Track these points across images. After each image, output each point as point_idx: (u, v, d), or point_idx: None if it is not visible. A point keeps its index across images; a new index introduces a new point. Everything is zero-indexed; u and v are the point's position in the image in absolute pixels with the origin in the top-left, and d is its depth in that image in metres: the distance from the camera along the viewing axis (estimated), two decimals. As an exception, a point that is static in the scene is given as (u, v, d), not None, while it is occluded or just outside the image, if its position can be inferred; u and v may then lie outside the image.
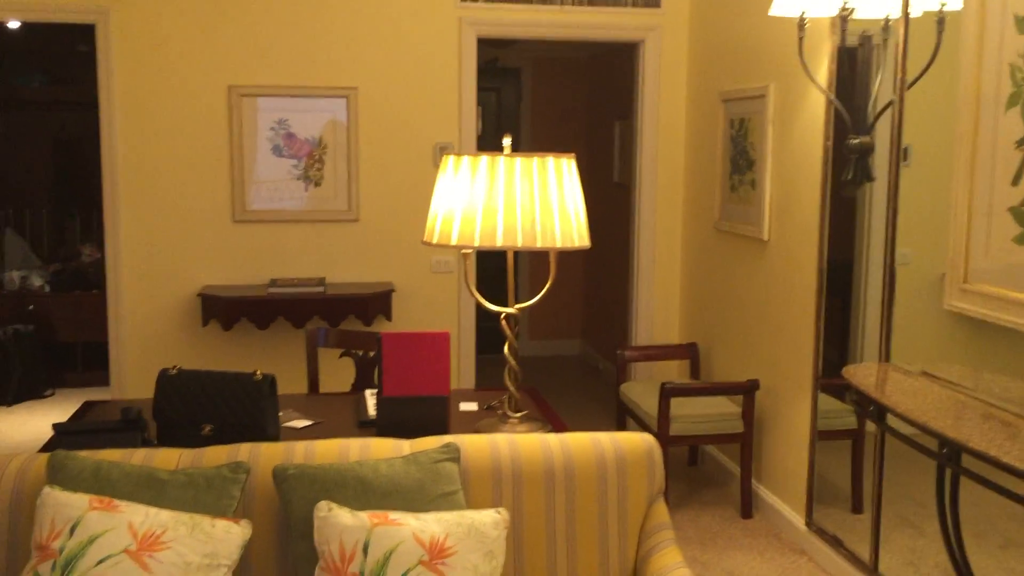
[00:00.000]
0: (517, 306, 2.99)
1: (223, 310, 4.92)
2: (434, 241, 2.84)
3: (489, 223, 2.75)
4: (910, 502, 3.64)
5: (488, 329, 5.52)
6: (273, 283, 5.06)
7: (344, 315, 4.98)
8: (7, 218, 7.03)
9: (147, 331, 5.17)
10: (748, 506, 4.43)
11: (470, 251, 2.96)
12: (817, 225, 3.97)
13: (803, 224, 4.10)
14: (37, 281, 6.70)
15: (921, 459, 3.56)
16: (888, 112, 3.49)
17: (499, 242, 2.73)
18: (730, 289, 4.89)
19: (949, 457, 2.56)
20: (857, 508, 4.03)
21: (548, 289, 3.01)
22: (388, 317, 5.16)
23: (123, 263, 5.14)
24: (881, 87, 3.57)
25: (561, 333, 7.99)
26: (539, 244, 2.75)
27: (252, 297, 4.95)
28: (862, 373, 3.21)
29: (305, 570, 2.29)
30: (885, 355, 3.46)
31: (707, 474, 5.04)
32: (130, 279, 5.15)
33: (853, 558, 3.71)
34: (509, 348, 2.97)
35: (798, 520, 4.14)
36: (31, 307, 6.54)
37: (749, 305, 4.65)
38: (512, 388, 2.99)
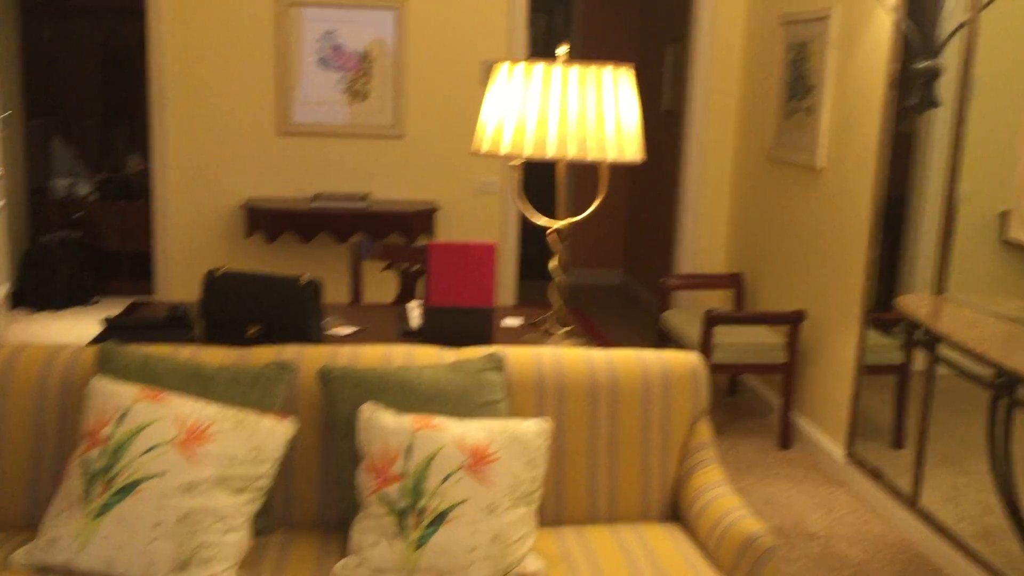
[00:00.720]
0: (566, 220, 2.94)
1: (267, 222, 4.92)
2: (483, 150, 2.79)
3: (541, 132, 2.68)
4: (953, 441, 3.58)
5: (528, 256, 5.48)
6: (317, 197, 5.04)
7: (387, 232, 4.96)
8: (54, 126, 7.05)
9: (192, 241, 5.20)
10: (787, 437, 4.40)
11: (519, 162, 2.90)
12: (875, 152, 3.85)
13: (860, 151, 3.98)
14: (84, 190, 6.75)
15: (966, 399, 3.51)
16: (959, 34, 3.34)
17: (550, 152, 2.67)
18: (780, 218, 4.79)
19: (1004, 387, 2.50)
20: (898, 444, 3.98)
21: (597, 206, 2.95)
22: (431, 235, 5.13)
23: (169, 173, 5.15)
24: (955, 6, 3.41)
25: (602, 262, 7.92)
26: (591, 156, 2.69)
27: (296, 210, 4.94)
28: (916, 303, 3.14)
29: (347, 469, 2.31)
30: (940, 288, 3.38)
31: (746, 405, 5.01)
32: (176, 189, 5.16)
33: (893, 491, 3.67)
34: (558, 262, 2.92)
35: (838, 452, 4.11)
36: (77, 215, 6.60)
37: (799, 235, 4.56)
38: (558, 303, 2.96)
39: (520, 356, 2.56)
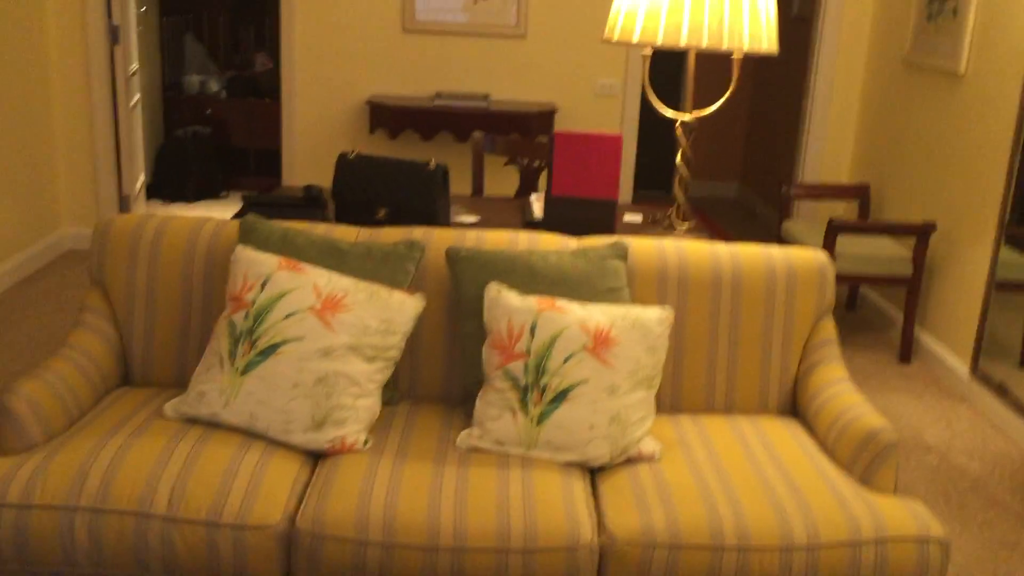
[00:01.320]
0: (694, 113, 2.90)
1: (390, 118, 4.99)
2: (615, 38, 2.76)
3: (674, 19, 2.64)
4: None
5: (644, 165, 5.41)
6: (438, 96, 5.08)
7: (507, 132, 4.97)
8: (187, 23, 7.25)
9: (317, 137, 5.33)
10: (908, 351, 4.30)
11: (649, 51, 2.85)
12: (1025, 56, 3.64)
13: (1007, 55, 3.77)
14: (214, 87, 6.95)
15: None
16: None
17: (683, 41, 2.63)
18: (913, 127, 4.59)
19: None
20: (1026, 364, 3.85)
21: (728, 97, 2.89)
22: (551, 137, 5.11)
23: (296, 71, 5.25)
24: None
25: (719, 175, 7.77)
26: (725, 45, 2.63)
27: (418, 107, 4.99)
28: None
29: (472, 346, 2.38)
30: (1088, 196, 3.21)
31: (865, 319, 4.90)
32: (303, 86, 5.27)
33: (1019, 408, 3.57)
34: (682, 156, 2.90)
35: (961, 368, 4.00)
36: (208, 111, 6.82)
37: (933, 145, 4.38)
38: (681, 197, 2.94)
39: (643, 246, 2.57)
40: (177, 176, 6.52)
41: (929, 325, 4.35)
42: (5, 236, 4.58)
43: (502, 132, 4.97)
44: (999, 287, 3.86)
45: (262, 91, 6.94)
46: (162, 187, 6.53)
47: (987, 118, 3.91)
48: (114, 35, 5.11)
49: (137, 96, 5.58)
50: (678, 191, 2.94)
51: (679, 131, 2.89)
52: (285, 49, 5.23)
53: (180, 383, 2.48)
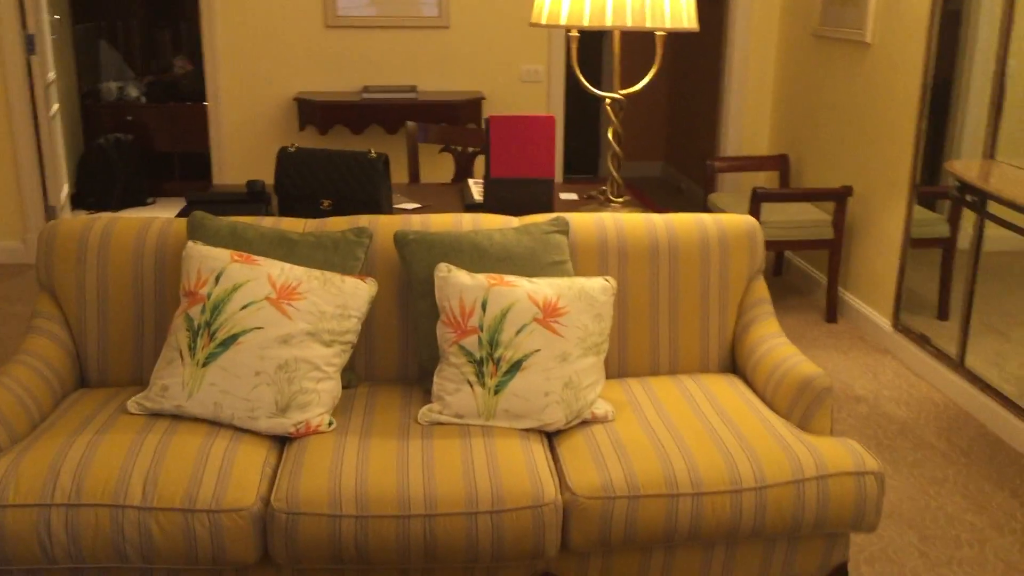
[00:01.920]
0: (622, 91, 3.02)
1: (319, 114, 5.02)
2: (543, 21, 2.86)
3: (599, 2, 2.75)
4: (997, 312, 3.68)
5: (571, 150, 5.52)
6: (366, 89, 5.12)
7: (436, 122, 5.04)
8: (100, 30, 7.14)
9: (246, 136, 5.33)
10: (833, 311, 4.51)
11: (576, 33, 2.96)
12: (926, 26, 3.85)
13: (911, 24, 3.98)
14: (133, 92, 6.87)
15: (1008, 274, 3.59)
16: None
17: (608, 21, 2.74)
18: (826, 97, 4.81)
19: (1054, 238, 2.58)
20: (943, 315, 4.08)
21: (653, 75, 3.02)
22: (478, 125, 5.21)
23: (220, 72, 5.24)
24: None
25: (643, 155, 7.96)
26: (648, 24, 2.75)
27: (347, 102, 5.03)
28: (966, 167, 3.20)
29: (425, 325, 2.46)
30: (990, 153, 3.43)
31: (792, 283, 5.11)
32: (228, 87, 5.26)
33: (940, 355, 3.80)
34: (613, 133, 3.01)
35: (884, 323, 4.22)
36: (129, 118, 6.74)
37: (845, 112, 4.59)
38: (615, 173, 3.06)
39: (583, 221, 2.68)
40: (101, 184, 6.44)
41: (852, 285, 4.56)
42: (-69, 254, 4.49)
43: (431, 122, 5.03)
44: (914, 244, 4.09)
45: (183, 94, 6.88)
46: (86, 196, 6.44)
47: (894, 84, 4.12)
48: (30, 44, 5.03)
49: (56, 105, 5.50)
50: (611, 167, 3.06)
51: (609, 109, 3.00)
52: (208, 51, 5.21)
53: (137, 381, 2.51)
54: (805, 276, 5.04)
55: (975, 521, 2.85)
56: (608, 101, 3.00)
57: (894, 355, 4.13)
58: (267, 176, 5.18)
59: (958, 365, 3.67)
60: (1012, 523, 2.84)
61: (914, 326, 4.03)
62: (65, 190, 5.68)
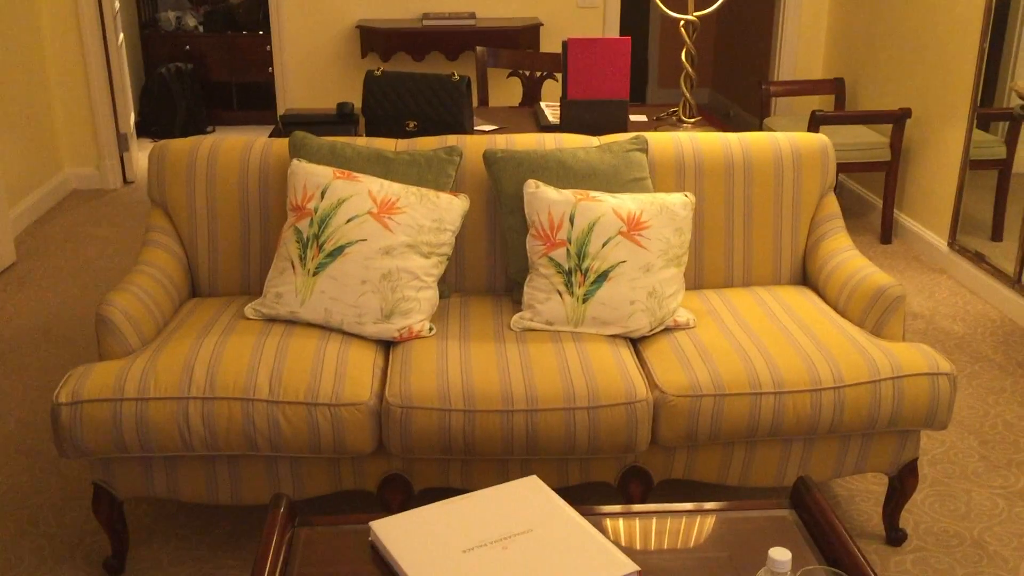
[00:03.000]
0: (695, 13, 3.10)
1: (380, 42, 5.12)
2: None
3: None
4: (1051, 232, 3.76)
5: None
6: (426, 16, 5.19)
7: (496, 47, 5.11)
8: (155, -40, 7.22)
9: (309, 65, 5.43)
10: (888, 232, 4.60)
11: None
12: (991, -56, 3.86)
13: (975, -56, 3.98)
14: (191, 22, 6.97)
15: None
16: None
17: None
18: (884, 18, 4.82)
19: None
20: (997, 236, 4.16)
21: (725, -2, 3.09)
22: (537, 50, 5.27)
23: (283, 0, 5.33)
24: None
25: (691, 81, 7.96)
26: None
27: (408, 29, 5.11)
28: (1032, 86, 3.25)
29: (514, 239, 2.61)
30: (1055, 72, 3.47)
31: (846, 206, 5.19)
32: (289, 16, 5.35)
33: (996, 272, 3.89)
34: (686, 55, 3.10)
35: (940, 243, 4.31)
36: (187, 47, 6.85)
37: (904, 34, 4.61)
38: (687, 94, 3.15)
39: (660, 139, 2.80)
40: (163, 113, 6.59)
41: (907, 206, 4.64)
42: (12, 182, 4.69)
43: (491, 48, 5.11)
44: (971, 166, 4.15)
45: (240, 24, 6.97)
46: (149, 125, 6.60)
47: (956, 3, 4.14)
48: (98, -26, 5.15)
49: (122, 35, 5.63)
50: (684, 88, 3.15)
51: (683, 30, 3.09)
52: (269, -22, 5.29)
53: (245, 291, 2.69)
54: (859, 198, 5.11)
55: (1032, 427, 2.98)
56: (682, 23, 3.08)
57: (950, 274, 4.22)
58: (331, 103, 5.30)
59: (1015, 282, 3.77)
60: (1069, 429, 2.98)
61: (968, 246, 4.12)
62: (132, 118, 5.84)
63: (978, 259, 4.03)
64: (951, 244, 4.23)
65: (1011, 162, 4.09)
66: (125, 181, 5.57)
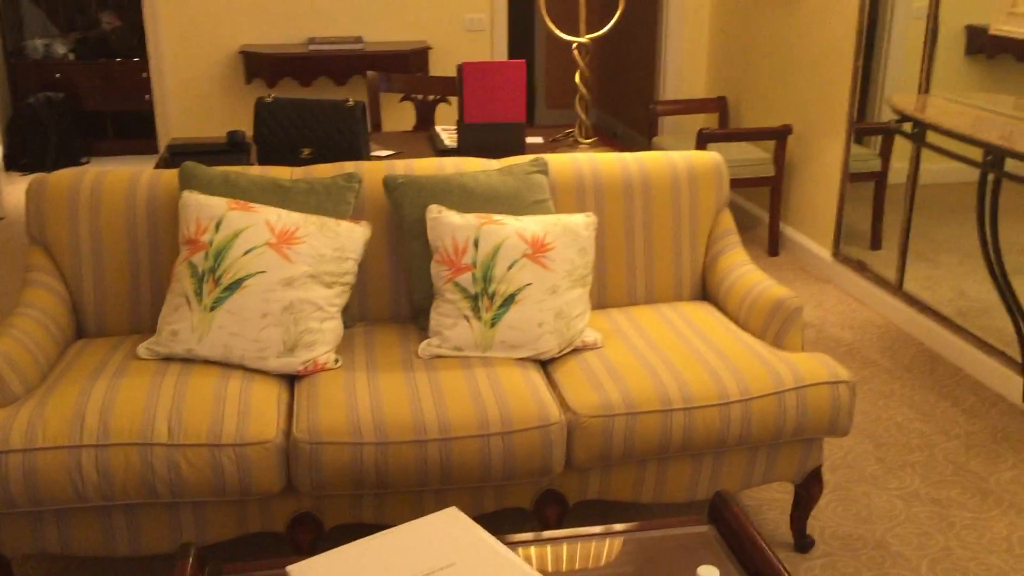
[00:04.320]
0: (588, 36, 3.13)
1: (266, 67, 5.01)
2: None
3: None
4: (925, 240, 3.95)
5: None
6: (312, 41, 5.12)
7: (384, 71, 5.07)
8: (20, -14, 6.89)
9: (191, 92, 5.27)
10: (775, 245, 4.75)
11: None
12: (860, -33, 4.04)
13: (844, -33, 4.17)
14: (60, 49, 6.68)
15: (933, 205, 3.85)
16: None
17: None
18: (762, 39, 4.99)
19: (992, 164, 2.81)
20: (875, 245, 4.35)
21: (617, 21, 3.14)
22: (426, 74, 5.25)
23: (161, 26, 5.16)
24: None
25: (572, 102, 8.08)
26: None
27: (294, 54, 5.02)
28: (904, 101, 3.42)
29: (418, 265, 2.57)
30: (925, 87, 3.65)
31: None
32: (169, 42, 5.19)
33: (878, 280, 4.06)
34: (580, 76, 3.13)
35: (824, 253, 4.47)
36: (57, 75, 6.56)
37: (782, 53, 4.78)
38: (583, 115, 3.18)
39: (559, 161, 2.81)
40: (33, 144, 6.29)
41: (792, 220, 4.80)
42: None
43: (382, 72, 5.07)
44: (851, 179, 4.33)
45: (114, 51, 6.72)
46: (19, 157, 6.28)
47: (831, 23, 4.32)
48: (-41, 0, 4.88)
49: (-13, 63, 5.35)
50: (579, 110, 3.18)
51: (576, 53, 3.12)
52: (147, 5, 5.12)
53: (136, 330, 2.57)
54: (746, 213, 5.26)
55: (923, 428, 3.11)
56: (575, 45, 3.11)
57: (835, 284, 4.39)
58: (216, 131, 5.16)
59: (897, 289, 3.93)
60: (956, 428, 3.11)
61: (851, 255, 4.29)
62: (0, 151, 5.54)
63: (860, 268, 4.20)
64: (835, 254, 4.39)
65: (886, 174, 4.29)
66: (-5, 217, 5.28)
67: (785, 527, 2.60)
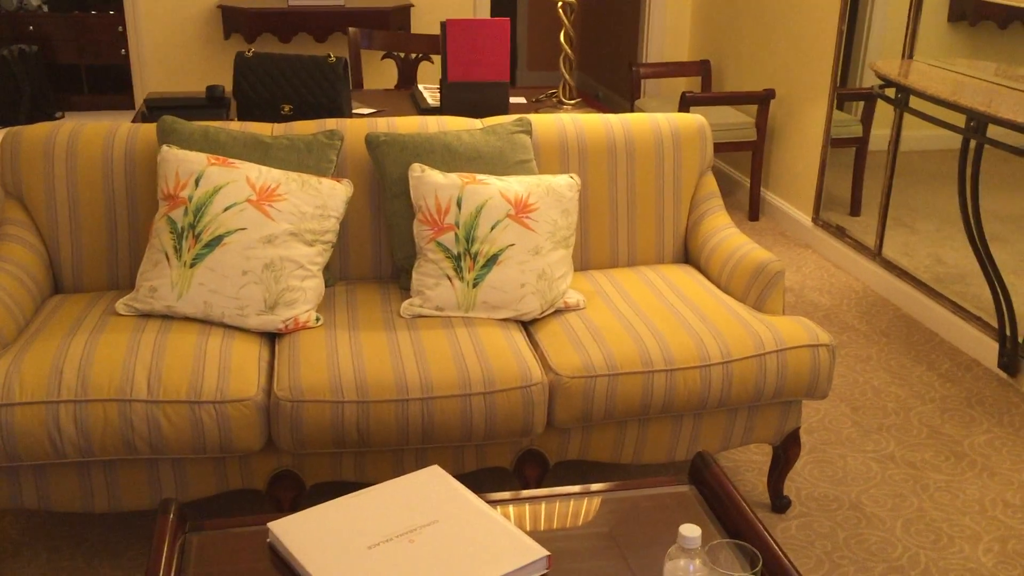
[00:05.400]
0: (573, -6, 3.10)
1: (245, 23, 4.92)
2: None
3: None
4: (904, 207, 3.97)
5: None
6: (292, -4, 5.03)
7: (367, 29, 5.00)
8: (-10, -66, 6.72)
9: (168, 46, 5.18)
10: (756, 209, 4.75)
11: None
12: (847, -70, 4.02)
13: (831, -70, 4.14)
14: (34, 1, 6.53)
15: (911, 172, 3.86)
16: None
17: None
18: (746, 2, 4.96)
19: (975, 130, 2.82)
20: (855, 211, 4.36)
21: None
22: (408, 32, 5.18)
23: (134, -25, 5.05)
24: None
25: (556, 64, 8.02)
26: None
27: (273, 9, 4.94)
28: (887, 66, 3.41)
29: (400, 224, 2.55)
30: (909, 53, 3.65)
31: (713, 186, 5.33)
32: (143, -8, 5.09)
33: (858, 246, 4.08)
34: (565, 36, 3.10)
35: (804, 219, 4.48)
36: (31, 27, 6.42)
37: (766, 17, 4.76)
38: (567, 75, 3.15)
39: (543, 121, 2.79)
40: (6, 97, 6.16)
41: (773, 184, 4.81)
42: None
43: (363, 29, 4.99)
44: (832, 144, 4.33)
45: (88, 3, 6.58)
46: (-9, 111, 6.16)
47: (814, -10, 4.30)
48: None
49: (-43, 13, 5.23)
50: (564, 71, 3.15)
51: (561, 12, 3.08)
52: (121, -46, 5.01)
53: (114, 286, 2.54)
54: (727, 177, 5.26)
55: (899, 392, 3.14)
56: (560, 4, 3.08)
57: (814, 249, 4.40)
58: (194, 86, 5.08)
59: (875, 255, 3.96)
60: (931, 392, 3.15)
61: (831, 221, 4.30)
62: (-29, 104, 5.43)
63: (840, 233, 4.21)
64: (815, 220, 4.41)
65: (867, 140, 4.29)
66: (-33, 171, 5.19)
67: (762, 488, 2.63)
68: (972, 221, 3.07)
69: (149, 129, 2.57)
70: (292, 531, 1.62)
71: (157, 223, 2.35)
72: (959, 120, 2.89)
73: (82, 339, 2.16)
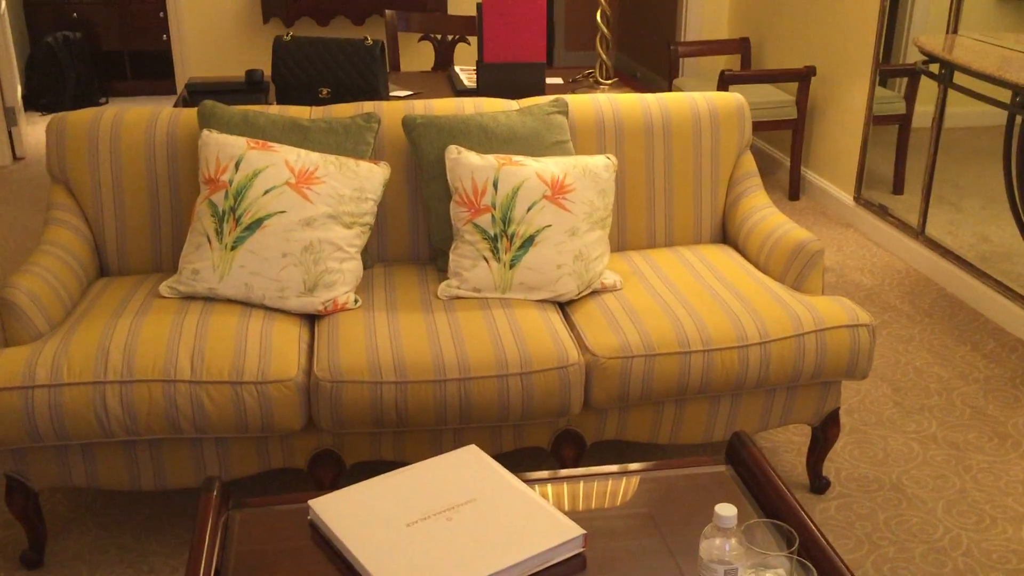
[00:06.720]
0: (610, -27, 3.08)
1: (283, 6, 4.95)
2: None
3: None
4: (948, 184, 3.90)
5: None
6: (329, -21, 5.05)
7: (405, 11, 5.01)
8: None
9: (209, 31, 5.23)
10: (796, 188, 4.70)
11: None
12: (890, -97, 3.94)
13: (874, -97, 4.06)
14: (77, -12, 6.62)
15: (957, 149, 3.79)
16: None
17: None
18: (787, -20, 4.89)
19: (1022, 105, 2.76)
20: (898, 190, 4.30)
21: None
22: (445, 13, 5.19)
23: (175, -39, 5.11)
24: None
25: (593, 44, 7.96)
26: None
27: (311, -8, 4.97)
28: (931, 41, 3.35)
29: (437, 206, 2.56)
30: (953, 27, 3.58)
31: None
32: (184, -22, 5.14)
33: (901, 225, 4.02)
34: (601, 16, 3.08)
35: (846, 197, 4.43)
36: (75, 15, 6.52)
37: (807, -5, 4.69)
38: (603, 55, 3.14)
39: (579, 102, 2.78)
40: (52, 84, 6.27)
41: (813, 163, 4.75)
42: None
43: (400, 11, 5.00)
44: (875, 122, 4.26)
45: (130, -11, 6.65)
46: (37, 97, 6.27)
47: (857, -36, 4.22)
48: (-26, -64, 4.83)
49: (3, 3, 5.32)
50: (600, 50, 3.14)
51: (597, -9, 3.07)
52: (161, -59, 5.06)
53: (157, 268, 2.59)
54: (766, 156, 5.21)
55: (941, 373, 3.10)
56: (597, -17, 3.06)
57: (856, 228, 4.35)
58: (234, 71, 5.12)
59: (919, 233, 3.90)
60: (975, 373, 3.10)
61: (873, 200, 4.24)
62: (19, 91, 5.54)
63: (882, 212, 4.16)
64: (856, 199, 4.35)
65: (911, 117, 4.22)
66: (15, 158, 5.29)
67: (801, 468, 2.62)
68: (1018, 198, 3.02)
69: (190, 114, 2.60)
70: (332, 509, 1.64)
71: (199, 206, 2.39)
72: (1005, 96, 2.83)
73: (127, 321, 2.20)
